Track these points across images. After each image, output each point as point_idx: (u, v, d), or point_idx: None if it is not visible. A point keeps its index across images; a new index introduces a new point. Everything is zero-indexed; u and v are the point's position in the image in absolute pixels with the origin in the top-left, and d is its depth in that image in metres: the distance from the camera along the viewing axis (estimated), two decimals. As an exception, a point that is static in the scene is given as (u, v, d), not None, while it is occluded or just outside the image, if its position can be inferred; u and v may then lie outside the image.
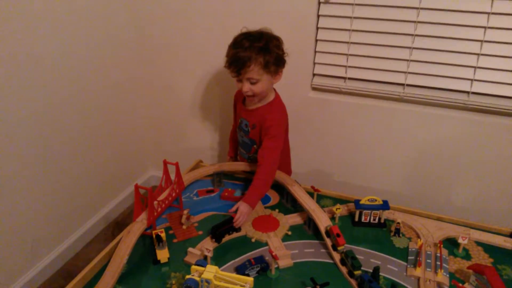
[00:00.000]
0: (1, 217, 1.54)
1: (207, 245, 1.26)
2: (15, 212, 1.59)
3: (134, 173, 2.32)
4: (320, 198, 1.56)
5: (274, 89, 1.62)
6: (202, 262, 0.98)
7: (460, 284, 1.10)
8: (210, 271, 0.93)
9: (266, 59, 1.45)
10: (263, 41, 1.46)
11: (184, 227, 1.40)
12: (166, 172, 1.47)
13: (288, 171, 1.79)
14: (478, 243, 1.35)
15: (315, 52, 1.81)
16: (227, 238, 1.35)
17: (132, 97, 2.14)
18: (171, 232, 1.39)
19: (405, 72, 1.71)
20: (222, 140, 2.20)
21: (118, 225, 2.08)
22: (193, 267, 0.96)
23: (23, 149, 1.58)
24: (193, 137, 2.26)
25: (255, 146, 1.66)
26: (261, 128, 1.58)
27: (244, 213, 1.37)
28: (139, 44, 2.06)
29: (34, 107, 1.59)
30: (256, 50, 1.43)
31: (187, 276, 0.94)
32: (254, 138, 1.64)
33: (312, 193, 1.51)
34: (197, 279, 0.93)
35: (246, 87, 1.49)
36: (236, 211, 1.38)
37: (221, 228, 1.33)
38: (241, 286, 0.91)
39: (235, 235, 1.36)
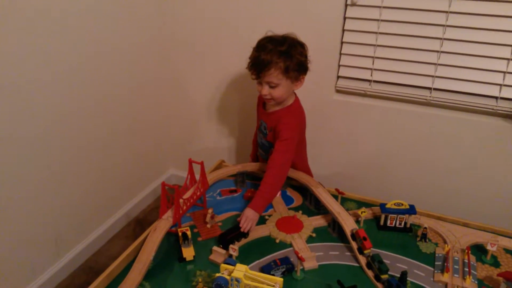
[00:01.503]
0: (27, 214, 1.57)
1: (233, 245, 1.26)
2: (40, 209, 1.62)
3: (155, 172, 2.34)
4: (344, 201, 1.54)
5: (295, 94, 1.61)
6: (231, 261, 0.98)
7: (491, 291, 1.08)
8: (240, 270, 0.93)
9: (286, 64, 1.43)
10: (286, 45, 1.44)
11: (208, 225, 1.40)
12: (191, 171, 1.48)
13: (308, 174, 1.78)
14: (507, 251, 1.33)
15: (340, 54, 1.80)
16: (251, 237, 1.35)
17: (153, 97, 2.15)
18: (195, 230, 1.39)
19: (432, 76, 1.69)
20: (242, 140, 2.20)
21: (139, 223, 2.10)
22: (223, 265, 0.96)
23: (49, 149, 1.60)
24: (213, 138, 2.26)
25: (272, 149, 1.65)
26: (274, 131, 1.58)
27: (249, 219, 1.36)
28: (160, 45, 2.08)
29: (60, 108, 1.61)
30: (278, 54, 1.42)
31: (217, 274, 0.94)
32: (271, 141, 1.63)
33: (336, 195, 1.50)
34: (227, 277, 0.93)
35: (266, 90, 1.48)
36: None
37: (229, 235, 1.32)
38: (271, 286, 0.91)
39: (244, 240, 1.34)
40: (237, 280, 0.92)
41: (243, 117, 2.12)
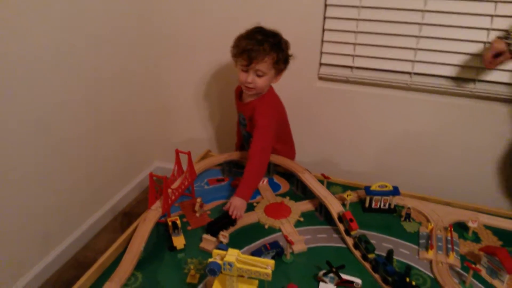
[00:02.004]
0: (13, 209, 1.54)
1: (223, 232, 1.28)
2: (26, 204, 1.59)
3: (140, 165, 2.33)
4: (330, 186, 1.57)
5: (270, 85, 1.64)
6: (223, 246, 1.00)
7: (473, 265, 1.13)
8: (232, 255, 0.95)
9: (278, 56, 1.50)
10: (278, 38, 1.52)
11: (197, 214, 1.41)
12: (178, 161, 1.48)
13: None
14: (487, 227, 1.38)
15: (322, 41, 1.82)
16: (240, 224, 1.37)
17: (136, 91, 2.12)
18: (184, 220, 1.40)
19: (412, 61, 1.73)
20: (227, 130, 2.20)
21: (126, 216, 2.09)
22: (215, 251, 0.97)
23: (34, 144, 1.58)
24: (198, 128, 2.26)
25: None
26: (251, 121, 1.61)
27: (237, 207, 1.38)
28: (141, 38, 2.06)
29: (44, 103, 1.58)
30: (271, 45, 1.48)
31: (210, 260, 0.95)
32: (250, 131, 1.66)
33: (322, 180, 1.53)
34: (220, 262, 0.94)
35: (251, 78, 1.51)
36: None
37: (217, 223, 1.33)
38: (263, 268, 0.93)
39: (233, 228, 1.36)
40: (230, 264, 0.93)
41: (226, 107, 2.12)
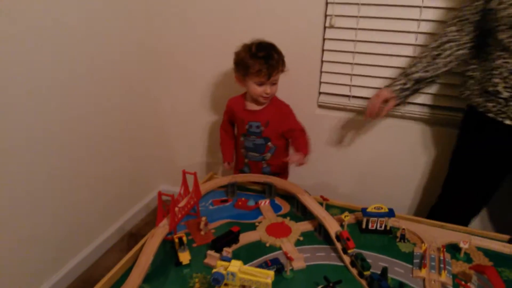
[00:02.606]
0: (24, 229, 1.64)
1: (226, 248, 1.35)
2: (36, 223, 1.68)
3: (146, 188, 2.42)
4: (329, 208, 1.64)
5: None
6: (227, 258, 1.07)
7: (463, 282, 1.19)
8: (235, 265, 1.02)
9: (283, 63, 1.73)
10: (276, 48, 1.73)
11: (202, 233, 1.48)
12: (184, 182, 1.56)
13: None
14: (479, 248, 1.44)
15: (321, 72, 1.94)
16: (243, 242, 1.44)
17: (142, 116, 2.25)
18: (190, 237, 1.47)
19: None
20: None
21: (132, 236, 2.16)
22: (219, 262, 1.04)
23: (43, 166, 1.69)
24: (203, 153, 2.36)
25: (269, 143, 1.81)
26: (278, 121, 1.79)
27: (301, 158, 1.74)
28: (139, 62, 2.18)
29: (50, 124, 1.70)
30: (281, 58, 1.72)
31: (214, 270, 1.03)
32: (268, 135, 1.80)
33: (321, 202, 1.60)
34: (223, 272, 1.01)
35: (269, 89, 1.71)
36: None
37: (221, 240, 1.40)
38: (264, 278, 1.00)
39: (236, 245, 1.43)
40: (233, 274, 1.00)
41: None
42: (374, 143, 1.97)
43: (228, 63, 1.81)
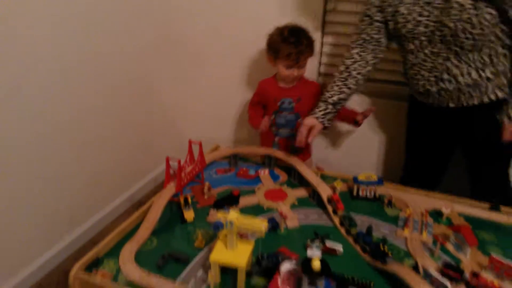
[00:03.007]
0: (45, 190, 1.80)
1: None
2: (56, 188, 1.85)
3: (155, 161, 2.56)
4: (323, 178, 1.76)
5: None
6: (226, 209, 1.20)
7: (440, 238, 1.31)
8: (233, 215, 1.15)
9: (311, 48, 1.85)
10: (307, 34, 1.84)
11: (205, 196, 1.62)
12: (190, 151, 1.70)
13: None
14: (461, 214, 1.56)
15: (321, 54, 2.06)
16: (242, 204, 1.57)
17: (152, 93, 2.39)
18: (194, 199, 1.61)
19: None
20: (238, 130, 2.44)
21: (141, 205, 2.30)
22: (219, 213, 1.18)
23: (66, 141, 1.86)
24: (209, 128, 2.50)
25: (299, 119, 1.94)
26: (308, 98, 1.93)
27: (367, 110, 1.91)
28: (158, 38, 2.32)
29: (76, 108, 1.86)
30: (309, 42, 1.84)
31: (215, 219, 1.16)
32: (299, 111, 1.94)
33: (316, 173, 1.73)
34: (223, 221, 1.15)
35: (297, 72, 1.86)
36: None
37: (222, 201, 1.54)
38: (258, 226, 1.13)
39: (237, 207, 1.56)
40: (231, 222, 1.14)
41: (235, 107, 2.37)
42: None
43: (234, 46, 1.99)
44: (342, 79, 1.68)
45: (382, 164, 2.27)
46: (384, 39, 1.63)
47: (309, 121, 1.71)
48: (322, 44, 2.05)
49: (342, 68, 1.69)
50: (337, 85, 1.68)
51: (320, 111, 1.70)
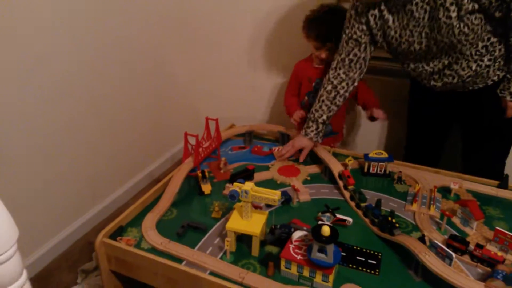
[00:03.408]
0: (71, 166, 1.91)
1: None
2: (81, 164, 1.96)
3: (172, 140, 2.64)
4: (335, 155, 1.82)
5: None
6: (241, 180, 1.27)
7: (446, 212, 1.36)
8: (248, 185, 1.22)
9: (337, 36, 1.72)
10: (341, 19, 1.66)
11: (222, 171, 1.70)
12: (207, 127, 1.77)
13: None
14: (469, 191, 1.60)
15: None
16: (257, 179, 1.64)
17: (169, 77, 2.47)
18: (211, 174, 1.69)
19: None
20: (252, 111, 2.51)
21: (159, 182, 2.40)
22: (235, 184, 1.25)
23: (91, 122, 1.98)
24: (224, 108, 2.56)
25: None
26: None
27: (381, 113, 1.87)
28: (179, 22, 2.38)
29: (98, 94, 1.96)
30: (326, 29, 1.77)
31: (231, 188, 1.23)
32: None
33: (328, 150, 1.79)
34: (238, 190, 1.22)
35: (324, 55, 1.83)
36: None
37: (238, 175, 1.60)
38: (272, 195, 1.20)
39: (252, 181, 1.61)
40: (246, 192, 1.21)
41: (252, 90, 2.43)
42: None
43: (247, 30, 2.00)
44: (331, 99, 1.71)
45: (384, 142, 2.30)
46: (371, 54, 1.66)
47: (302, 142, 1.76)
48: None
49: (329, 87, 1.70)
50: (326, 105, 1.72)
51: (312, 131, 1.74)
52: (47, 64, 1.68)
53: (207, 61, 2.49)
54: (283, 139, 1.92)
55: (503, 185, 1.60)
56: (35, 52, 1.63)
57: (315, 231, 1.09)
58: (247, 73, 2.42)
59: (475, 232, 1.36)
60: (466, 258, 1.24)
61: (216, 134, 1.76)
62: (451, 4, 1.31)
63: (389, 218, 1.32)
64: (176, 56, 2.45)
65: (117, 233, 1.35)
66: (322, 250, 1.09)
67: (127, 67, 2.10)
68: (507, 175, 1.61)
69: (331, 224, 1.34)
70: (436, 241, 1.22)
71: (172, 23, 2.35)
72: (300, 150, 1.78)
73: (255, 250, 1.25)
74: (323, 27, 1.77)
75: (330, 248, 1.07)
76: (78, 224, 1.97)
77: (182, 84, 2.55)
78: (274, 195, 1.20)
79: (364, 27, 1.57)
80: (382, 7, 1.48)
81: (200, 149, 1.65)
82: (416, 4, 1.39)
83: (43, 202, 1.79)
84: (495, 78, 1.52)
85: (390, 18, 1.49)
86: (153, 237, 1.31)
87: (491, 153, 1.72)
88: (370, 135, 2.31)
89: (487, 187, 1.61)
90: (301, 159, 1.76)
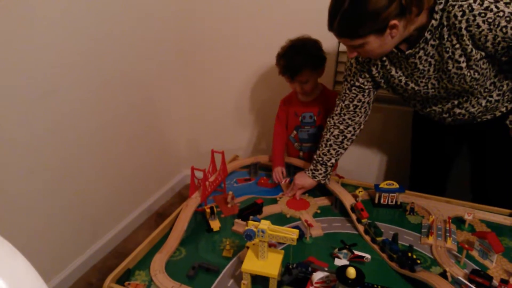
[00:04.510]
0: (70, 204, 1.84)
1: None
2: (80, 201, 1.89)
3: (172, 172, 2.59)
4: (343, 186, 1.78)
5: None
6: (257, 219, 1.22)
7: (466, 246, 1.32)
8: (264, 224, 1.17)
9: (313, 62, 1.73)
10: (308, 47, 1.74)
11: (229, 205, 1.64)
12: (212, 160, 1.72)
13: None
14: (482, 221, 1.57)
15: (337, 62, 2.09)
16: (265, 213, 1.59)
17: (168, 103, 2.43)
18: (218, 209, 1.63)
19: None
20: (253, 140, 2.47)
21: (159, 216, 2.33)
22: (250, 222, 1.19)
23: (87, 156, 1.90)
24: (226, 139, 2.52)
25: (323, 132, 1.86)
26: (330, 109, 1.80)
27: None
28: (172, 46, 2.34)
29: (89, 121, 1.89)
30: (304, 57, 1.72)
31: (246, 228, 1.18)
32: (322, 123, 1.89)
33: (337, 181, 1.75)
34: (254, 229, 1.17)
35: (299, 88, 1.79)
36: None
37: (246, 210, 1.55)
38: (290, 234, 1.15)
39: (260, 216, 1.58)
40: (263, 231, 1.16)
41: (254, 118, 2.40)
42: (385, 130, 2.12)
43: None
44: (338, 143, 1.69)
45: (385, 170, 2.29)
46: (374, 96, 1.65)
47: (307, 182, 1.71)
48: (338, 52, 2.07)
49: (335, 132, 1.68)
50: (334, 149, 1.69)
51: (321, 173, 1.71)
52: (49, 99, 1.63)
53: (204, 91, 2.47)
54: (288, 170, 1.88)
55: (516, 214, 1.57)
56: (35, 89, 1.58)
57: (340, 273, 1.04)
58: (249, 103, 2.39)
59: (495, 265, 1.33)
60: (491, 294, 1.20)
61: (222, 166, 1.72)
62: (460, 56, 1.30)
63: (409, 254, 1.28)
64: (174, 88, 2.42)
65: (125, 277, 1.27)
66: (347, 293, 1.04)
67: (124, 99, 2.06)
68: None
69: (348, 261, 1.30)
70: (460, 278, 1.18)
71: (170, 56, 2.33)
72: None
73: (273, 293, 1.19)
74: (296, 61, 1.72)
75: (356, 291, 1.02)
76: (77, 264, 1.88)
77: (179, 115, 2.51)
78: (292, 234, 1.15)
79: (367, 75, 1.56)
80: (384, 58, 1.47)
81: (207, 183, 1.60)
82: (420, 58, 1.38)
83: (42, 242, 1.71)
84: (504, 109, 1.52)
85: (393, 69, 1.48)
86: (163, 281, 1.24)
87: (500, 182, 1.70)
88: (369, 165, 2.29)
89: (500, 217, 1.58)
90: (297, 197, 1.72)
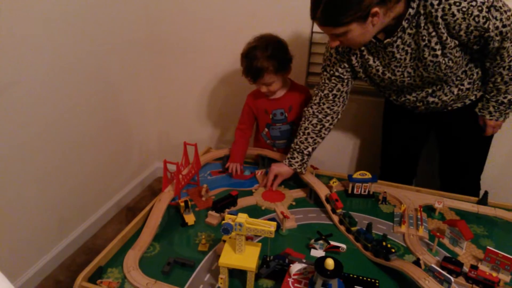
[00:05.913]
0: (35, 203, 1.75)
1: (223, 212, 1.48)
2: (45, 198, 1.80)
3: (142, 165, 2.52)
4: (318, 177, 1.79)
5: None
6: (234, 212, 1.20)
7: (437, 234, 1.36)
8: (242, 217, 1.15)
9: (275, 65, 1.67)
10: (270, 49, 1.66)
11: (203, 199, 1.61)
12: (185, 153, 1.68)
13: None
14: (451, 209, 1.62)
15: (310, 53, 2.08)
16: (240, 205, 1.57)
17: (141, 95, 2.35)
18: (192, 203, 1.60)
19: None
20: (226, 131, 2.44)
21: (130, 210, 2.27)
22: (227, 215, 1.17)
23: (51, 147, 1.80)
24: (196, 130, 2.48)
25: (295, 127, 1.84)
26: (300, 105, 1.82)
27: None
28: (145, 44, 2.29)
29: (57, 110, 1.80)
30: (266, 60, 1.65)
31: (223, 222, 1.16)
32: (293, 119, 1.86)
33: (311, 172, 1.75)
34: (232, 223, 1.15)
35: (264, 89, 1.75)
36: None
37: (220, 202, 1.53)
38: (267, 227, 1.13)
39: (235, 208, 1.57)
40: (240, 224, 1.14)
41: (227, 109, 2.37)
42: (355, 120, 2.14)
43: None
44: (316, 132, 1.69)
45: (357, 161, 2.33)
46: (352, 86, 1.67)
47: (283, 169, 1.70)
48: (310, 43, 2.06)
49: (314, 121, 1.68)
50: (312, 137, 1.70)
51: (297, 162, 1.70)
52: (10, 91, 1.54)
53: (176, 81, 2.41)
54: (263, 162, 1.86)
55: (483, 201, 1.63)
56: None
57: (319, 264, 1.03)
58: (219, 93, 2.35)
59: (465, 252, 1.37)
60: (461, 280, 1.24)
61: (195, 159, 1.68)
62: (436, 43, 1.34)
63: (384, 243, 1.30)
64: (143, 82, 2.35)
65: (97, 275, 1.22)
66: (326, 284, 1.04)
67: (87, 91, 1.96)
68: (486, 192, 1.64)
69: (324, 252, 1.31)
70: (433, 265, 1.20)
71: (142, 48, 2.25)
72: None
73: (251, 285, 1.18)
74: (257, 62, 1.65)
75: (335, 282, 1.02)
76: (44, 262, 1.80)
77: (148, 107, 2.44)
78: (270, 227, 1.14)
79: (346, 65, 1.57)
80: (362, 48, 1.49)
81: (180, 176, 1.57)
82: (397, 46, 1.41)
83: (4, 241, 1.62)
84: (473, 97, 1.57)
85: (371, 58, 1.50)
86: (137, 278, 1.20)
87: (468, 168, 1.76)
88: (342, 155, 2.31)
89: (468, 204, 1.64)
90: (274, 187, 1.70)
